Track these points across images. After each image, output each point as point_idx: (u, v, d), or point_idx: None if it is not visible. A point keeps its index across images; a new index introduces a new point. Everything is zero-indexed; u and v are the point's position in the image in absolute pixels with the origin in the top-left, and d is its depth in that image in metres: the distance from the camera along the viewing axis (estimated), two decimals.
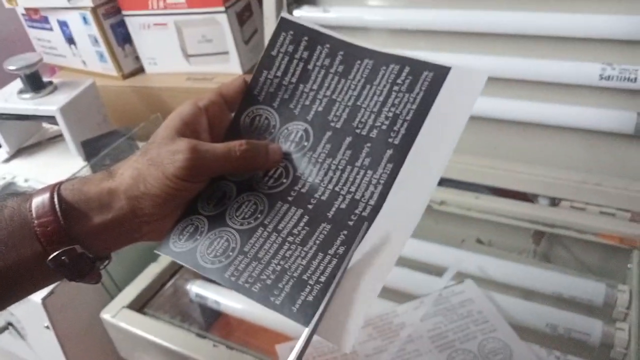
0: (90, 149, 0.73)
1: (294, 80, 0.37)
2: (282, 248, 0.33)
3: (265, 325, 0.56)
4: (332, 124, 0.36)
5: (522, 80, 0.62)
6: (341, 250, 0.32)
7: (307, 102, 0.37)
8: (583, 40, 0.58)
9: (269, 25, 0.72)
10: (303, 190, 0.35)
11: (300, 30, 0.38)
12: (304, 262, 0.32)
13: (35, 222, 0.32)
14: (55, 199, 0.32)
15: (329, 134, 0.36)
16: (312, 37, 0.37)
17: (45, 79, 0.77)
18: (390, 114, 0.34)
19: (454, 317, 0.51)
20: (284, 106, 0.37)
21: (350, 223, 0.33)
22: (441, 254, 0.62)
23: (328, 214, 0.33)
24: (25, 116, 0.75)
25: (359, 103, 0.35)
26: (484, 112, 0.65)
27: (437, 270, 0.58)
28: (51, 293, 0.56)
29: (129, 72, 0.91)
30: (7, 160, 0.81)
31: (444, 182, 0.69)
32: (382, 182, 0.33)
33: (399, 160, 0.33)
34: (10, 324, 0.62)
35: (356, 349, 0.49)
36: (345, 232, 0.32)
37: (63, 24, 0.90)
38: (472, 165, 0.67)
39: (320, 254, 0.32)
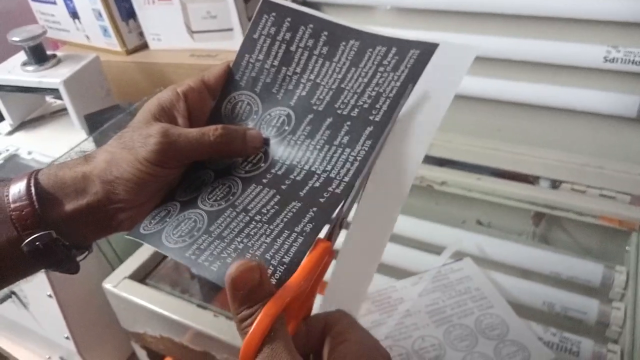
0: (93, 122, 0.73)
1: (276, 63, 0.36)
2: (247, 227, 0.31)
3: None
4: (315, 107, 0.35)
5: (526, 62, 0.62)
6: (308, 227, 0.30)
7: (290, 87, 0.36)
8: (588, 22, 0.58)
9: None
10: (279, 173, 0.34)
11: (283, 12, 0.36)
12: (268, 240, 0.30)
13: (11, 206, 0.32)
14: (32, 184, 0.32)
15: (310, 116, 0.35)
16: (295, 18, 0.36)
17: (48, 52, 0.77)
18: (374, 93, 0.33)
19: (452, 293, 0.52)
20: (266, 91, 0.36)
21: (322, 200, 0.31)
22: (441, 234, 0.62)
23: (300, 192, 0.32)
24: (29, 88, 0.74)
25: (342, 85, 0.34)
26: (487, 94, 0.65)
27: (436, 249, 0.59)
28: None
29: (132, 47, 0.91)
30: (11, 133, 0.81)
31: (446, 163, 0.69)
32: (359, 158, 0.32)
33: (378, 137, 0.32)
34: (13, 292, 0.63)
35: None
36: (314, 209, 0.31)
37: None
38: (474, 147, 0.67)
39: (286, 231, 0.30)
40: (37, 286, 0.59)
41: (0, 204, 0.32)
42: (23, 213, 0.31)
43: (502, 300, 0.51)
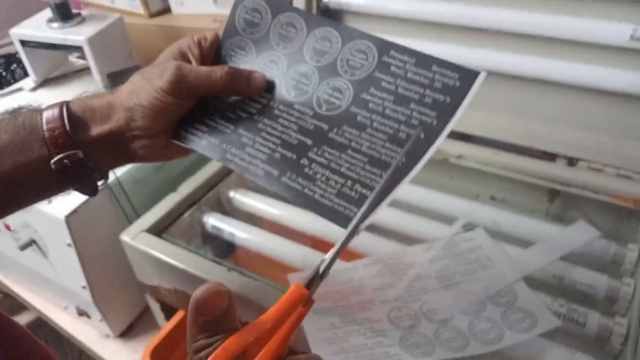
0: (115, 81, 0.75)
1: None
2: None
3: (278, 259, 0.58)
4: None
5: (549, 38, 0.61)
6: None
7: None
8: None
9: None
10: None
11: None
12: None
13: (45, 127, 0.36)
14: (64, 109, 0.37)
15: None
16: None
17: (73, 11, 0.78)
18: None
19: (463, 261, 0.52)
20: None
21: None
22: (454, 206, 0.62)
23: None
24: (53, 45, 0.76)
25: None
26: (508, 69, 0.64)
27: (448, 220, 0.59)
28: (74, 211, 0.58)
29: (155, 11, 0.92)
30: (34, 89, 0.82)
31: (463, 137, 0.69)
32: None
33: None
34: (33, 240, 0.65)
35: (365, 282, 0.51)
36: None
37: None
38: (492, 121, 0.67)
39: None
40: (56, 235, 0.61)
41: (35, 125, 0.36)
42: (55, 133, 0.36)
43: (512, 269, 0.51)
